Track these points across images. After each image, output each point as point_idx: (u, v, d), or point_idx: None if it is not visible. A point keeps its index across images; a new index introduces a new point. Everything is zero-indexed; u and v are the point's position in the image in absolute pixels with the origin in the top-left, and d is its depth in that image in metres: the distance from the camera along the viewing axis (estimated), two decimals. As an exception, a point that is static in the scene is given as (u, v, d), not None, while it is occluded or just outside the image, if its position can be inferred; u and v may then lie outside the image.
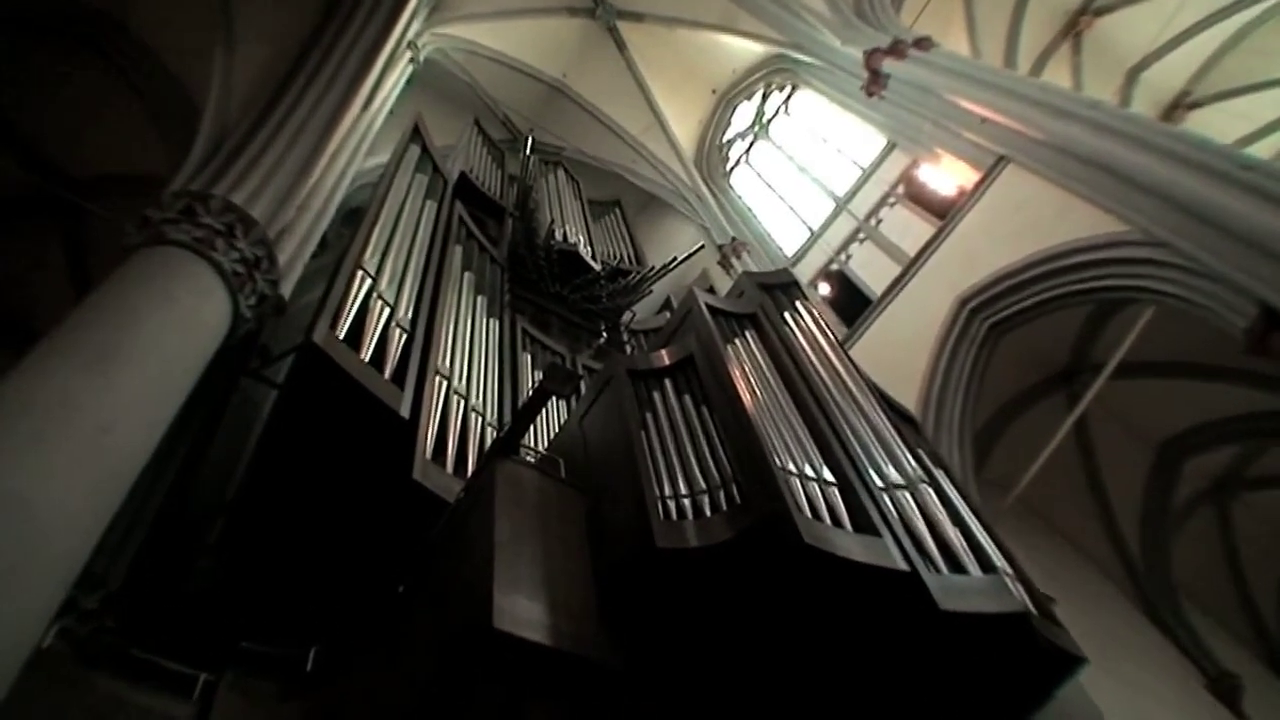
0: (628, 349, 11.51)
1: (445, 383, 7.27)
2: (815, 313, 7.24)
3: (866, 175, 15.29)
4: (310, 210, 8.18)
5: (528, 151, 13.35)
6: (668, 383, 5.97)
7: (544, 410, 7.93)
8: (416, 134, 10.57)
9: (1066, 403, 10.76)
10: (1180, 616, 11.30)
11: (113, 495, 5.53)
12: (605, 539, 4.98)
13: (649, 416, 5.63)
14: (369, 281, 7.29)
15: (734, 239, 17.37)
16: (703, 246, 13.81)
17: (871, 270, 13.72)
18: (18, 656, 4.71)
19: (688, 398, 5.79)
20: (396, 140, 10.23)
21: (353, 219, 10.18)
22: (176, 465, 6.93)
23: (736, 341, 6.40)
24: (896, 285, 11.98)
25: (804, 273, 15.11)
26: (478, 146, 14.24)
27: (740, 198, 19.27)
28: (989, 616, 4.81)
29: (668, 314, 13.25)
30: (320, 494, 6.63)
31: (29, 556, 4.78)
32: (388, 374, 6.66)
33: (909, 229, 13.27)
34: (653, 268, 12.72)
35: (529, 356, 9.26)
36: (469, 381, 7.72)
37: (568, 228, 12.79)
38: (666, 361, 6.14)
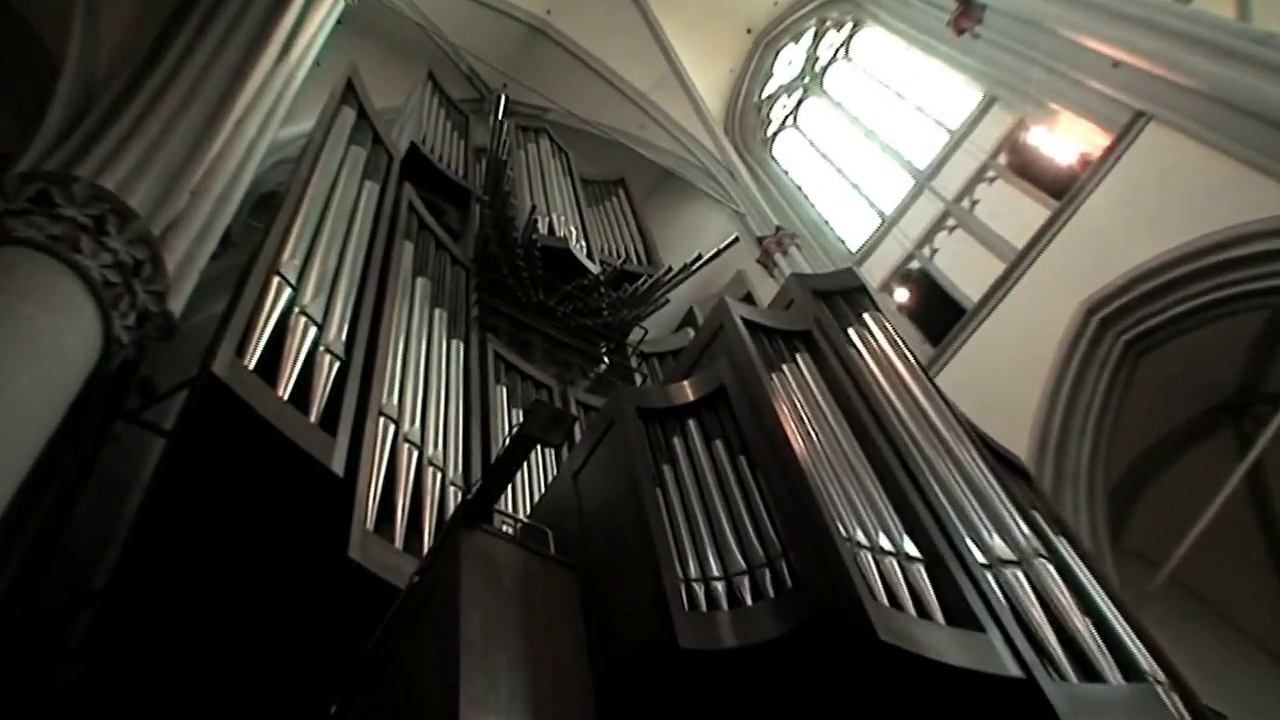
0: (637, 379, 11.50)
1: (393, 427, 7.25)
2: (890, 327, 7.21)
3: (956, 141, 15.32)
4: (209, 196, 8.20)
5: (500, 115, 13.36)
6: (692, 425, 5.94)
7: (526, 463, 7.91)
8: (350, 93, 10.60)
9: (1236, 445, 10.72)
10: None
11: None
12: (609, 635, 4.95)
13: (667, 471, 5.60)
14: (289, 291, 7.29)
15: (779, 229, 17.39)
16: (736, 240, 13.77)
17: (964, 269, 13.72)
18: None
19: (719, 445, 5.76)
20: (324, 102, 10.26)
21: (266, 207, 10.22)
22: (26, 542, 6.92)
23: (784, 368, 6.37)
24: (999, 289, 11.98)
25: (873, 273, 15.12)
26: (433, 109, 14.29)
27: (786, 173, 19.35)
28: (1136, 740, 4.76)
29: (690, 331, 13.24)
30: (223, 578, 6.60)
31: None
32: (315, 416, 6.65)
33: (1014, 213, 13.27)
34: (669, 269, 12.71)
35: (504, 390, 9.25)
36: (424, 425, 7.70)
37: (555, 216, 12.80)
38: (690, 396, 6.11)
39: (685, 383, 6.27)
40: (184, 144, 7.96)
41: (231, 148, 8.53)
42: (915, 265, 14.76)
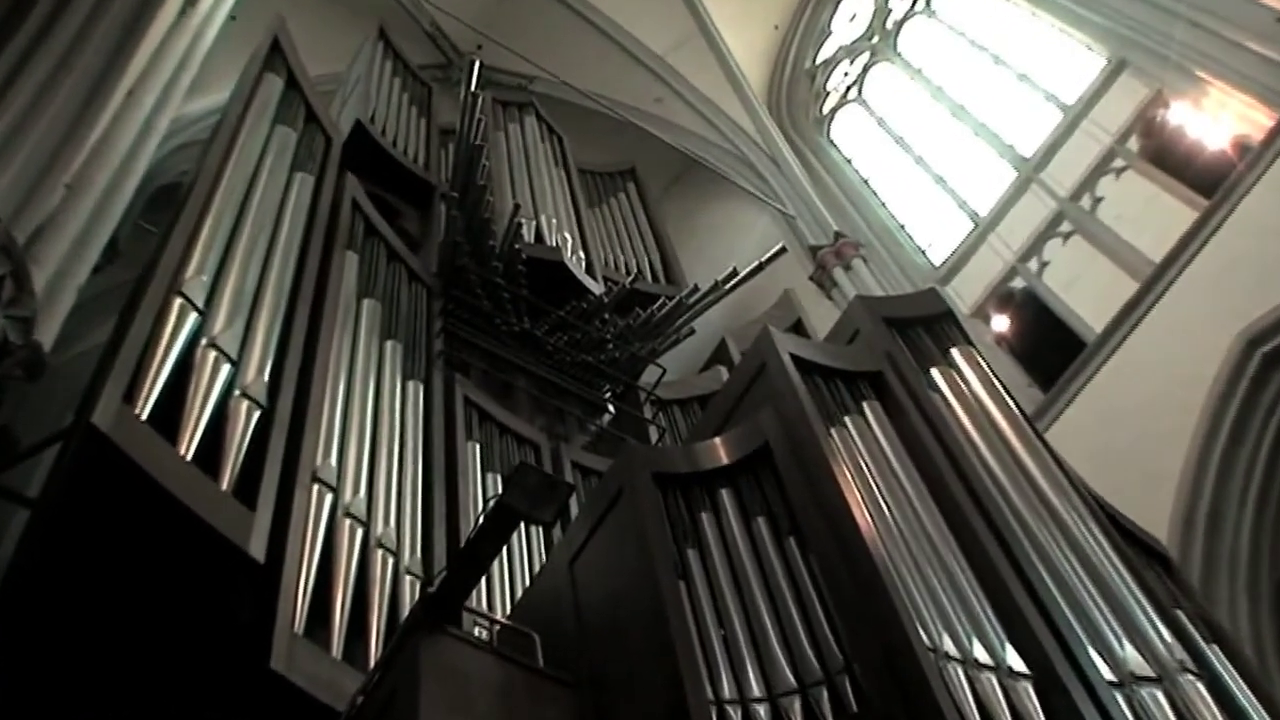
0: (653, 434, 11.48)
1: (330, 497, 7.24)
2: (986, 367, 7.21)
3: (1073, 121, 15.34)
4: (90, 191, 8.22)
5: (473, 85, 13.40)
6: (725, 496, 5.95)
7: (506, 546, 7.89)
8: (277, 56, 10.62)
9: None
10: None
11: None
12: (616, 775, 4.95)
13: (693, 556, 5.60)
14: (194, 317, 7.29)
15: (839, 236, 17.39)
16: (783, 250, 13.75)
17: (1083, 288, 13.72)
18: None
19: (761, 522, 5.76)
20: (242, 67, 10.29)
21: (165, 205, 10.23)
22: None
23: (847, 421, 6.37)
24: (1129, 315, 11.98)
25: (964, 294, 15.14)
26: (385, 77, 14.34)
27: (848, 162, 19.39)
28: None
29: (723, 371, 13.23)
30: (108, 693, 6.59)
31: None
32: (228, 483, 6.63)
33: (1150, 214, 13.29)
34: (694, 289, 12.72)
35: (477, 448, 9.25)
36: (372, 495, 7.69)
37: (544, 219, 12.82)
38: (724, 458, 6.11)
39: (717, 440, 6.27)
40: (57, 123, 7.98)
41: (120, 128, 8.55)
42: (1019, 284, 14.76)
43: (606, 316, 12.00)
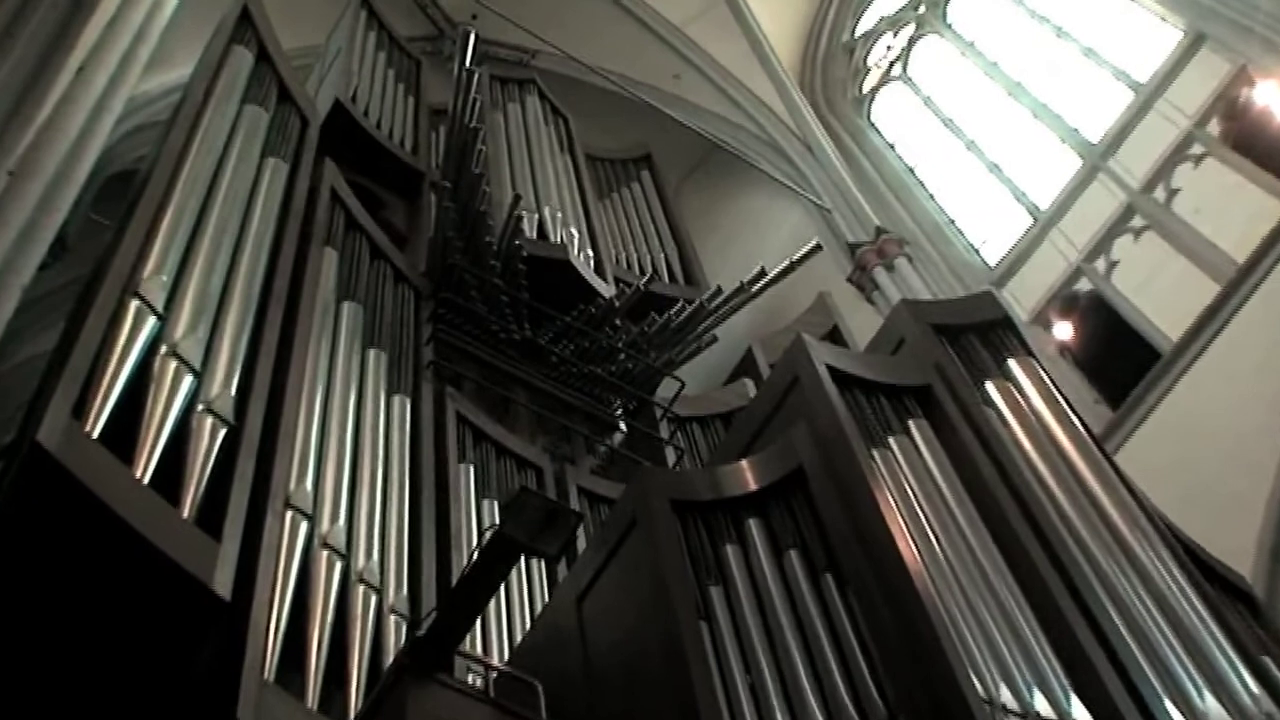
0: (670, 456, 11.47)
1: (305, 526, 7.23)
2: (1048, 380, 7.20)
3: (1145, 101, 15.31)
4: (35, 180, 8.23)
5: (468, 60, 13.41)
6: (754, 526, 5.94)
7: (505, 583, 7.88)
8: (246, 26, 10.62)
9: None
10: None
11: None
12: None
13: (715, 594, 5.59)
14: (153, 322, 7.29)
15: (880, 232, 17.36)
16: (818, 248, 13.74)
17: (1158, 292, 13.70)
18: None
19: (794, 556, 5.75)
20: (207, 39, 10.30)
21: (120, 195, 10.25)
22: None
23: (891, 441, 6.36)
24: (1210, 321, 11.94)
25: (1022, 298, 15.12)
26: (369, 50, 14.35)
27: (891, 147, 19.35)
28: None
29: (750, 385, 13.22)
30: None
31: None
32: (189, 510, 6.62)
33: (1232, 207, 13.26)
34: (717, 291, 12.71)
35: (471, 471, 9.24)
36: (352, 524, 7.68)
37: (547, 211, 12.81)
38: (751, 484, 6.10)
39: (744, 463, 6.26)
40: (1, 100, 7.99)
41: (69, 108, 8.56)
42: (1084, 286, 14.73)
43: (618, 322, 11.99)
